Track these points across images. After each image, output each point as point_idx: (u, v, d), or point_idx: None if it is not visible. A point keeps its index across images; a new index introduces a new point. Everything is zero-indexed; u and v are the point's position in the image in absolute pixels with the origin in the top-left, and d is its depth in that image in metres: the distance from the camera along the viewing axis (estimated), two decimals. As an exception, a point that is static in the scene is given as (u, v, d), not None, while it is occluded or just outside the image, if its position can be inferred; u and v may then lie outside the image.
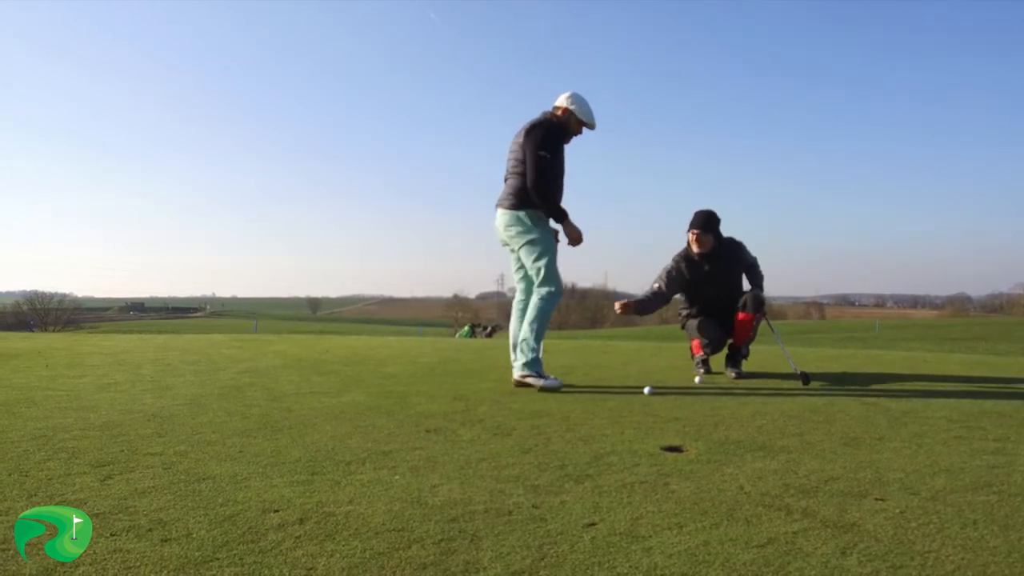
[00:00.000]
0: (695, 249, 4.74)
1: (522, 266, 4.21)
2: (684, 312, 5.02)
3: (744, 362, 4.85)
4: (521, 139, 4.06)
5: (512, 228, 4.07)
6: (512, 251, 4.20)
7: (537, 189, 3.98)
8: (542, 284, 4.06)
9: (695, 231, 4.72)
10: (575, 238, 4.08)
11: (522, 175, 4.03)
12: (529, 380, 3.95)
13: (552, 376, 4.03)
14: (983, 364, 5.92)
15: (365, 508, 1.81)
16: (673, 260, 4.85)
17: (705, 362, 4.87)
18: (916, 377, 4.83)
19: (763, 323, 4.87)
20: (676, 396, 3.76)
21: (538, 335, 4.03)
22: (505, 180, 4.18)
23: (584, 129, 4.21)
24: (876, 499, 1.93)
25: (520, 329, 4.15)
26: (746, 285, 4.93)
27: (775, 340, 5.20)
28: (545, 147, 3.98)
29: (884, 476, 2.17)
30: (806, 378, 4.23)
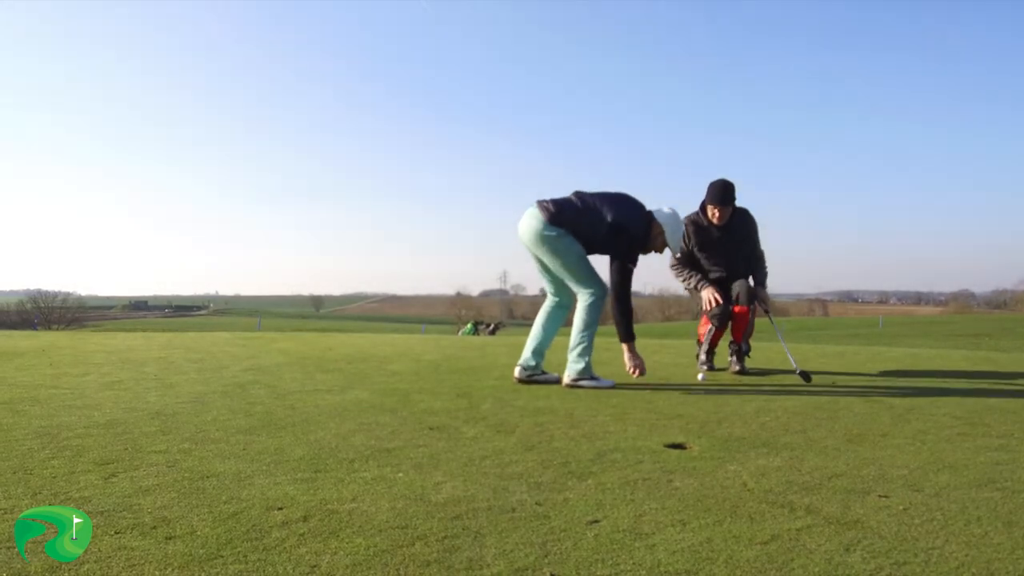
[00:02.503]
0: (716, 223, 4.69)
1: (547, 268, 4.16)
2: (691, 281, 4.85)
3: (747, 358, 4.85)
4: (608, 212, 3.93)
5: (544, 233, 3.96)
6: (538, 260, 4.16)
7: (622, 304, 3.98)
8: (583, 288, 4.04)
9: (716, 208, 4.63)
10: (638, 370, 3.98)
11: (591, 220, 3.94)
12: (582, 383, 3.96)
13: (604, 378, 4.07)
14: (987, 360, 5.91)
15: (368, 505, 1.81)
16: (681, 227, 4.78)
17: (709, 356, 4.87)
18: (920, 374, 4.82)
19: (766, 320, 4.86)
20: (679, 393, 3.76)
21: (589, 343, 4.03)
22: (574, 199, 4.04)
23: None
24: (880, 496, 1.93)
25: (545, 331, 4.20)
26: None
27: (777, 338, 5.20)
28: (634, 259, 3.99)
29: (888, 473, 2.17)
30: (807, 376, 4.24)
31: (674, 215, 4.09)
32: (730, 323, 4.82)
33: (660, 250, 4.14)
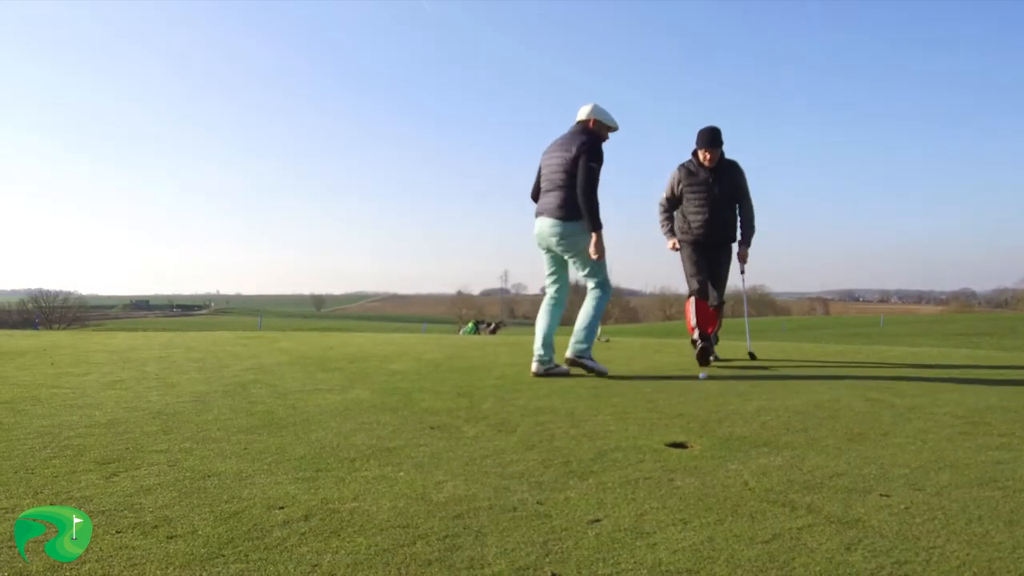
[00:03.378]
0: (706, 164, 5.02)
1: (555, 271, 4.62)
2: (664, 227, 5.26)
3: (748, 355, 5.17)
4: (566, 152, 4.38)
5: (566, 239, 4.42)
6: (550, 255, 4.58)
7: (587, 198, 4.31)
8: (597, 287, 4.51)
9: (706, 150, 4.97)
10: (599, 251, 4.35)
11: (571, 187, 4.34)
12: (583, 362, 4.42)
13: (599, 363, 4.52)
14: (988, 359, 5.90)
15: (370, 505, 1.82)
16: (675, 170, 5.16)
17: (704, 346, 5.00)
18: (921, 373, 4.81)
19: (759, 319, 5.23)
20: (680, 392, 3.76)
21: (593, 330, 4.50)
22: (544, 190, 4.52)
23: (609, 134, 4.58)
24: (881, 495, 1.93)
25: (548, 323, 4.59)
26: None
27: (765, 324, 5.27)
28: (595, 160, 4.34)
29: (889, 472, 2.17)
30: (753, 355, 5.07)
31: (594, 105, 4.52)
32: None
33: (606, 136, 4.54)
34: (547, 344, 4.48)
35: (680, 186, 5.10)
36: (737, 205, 5.16)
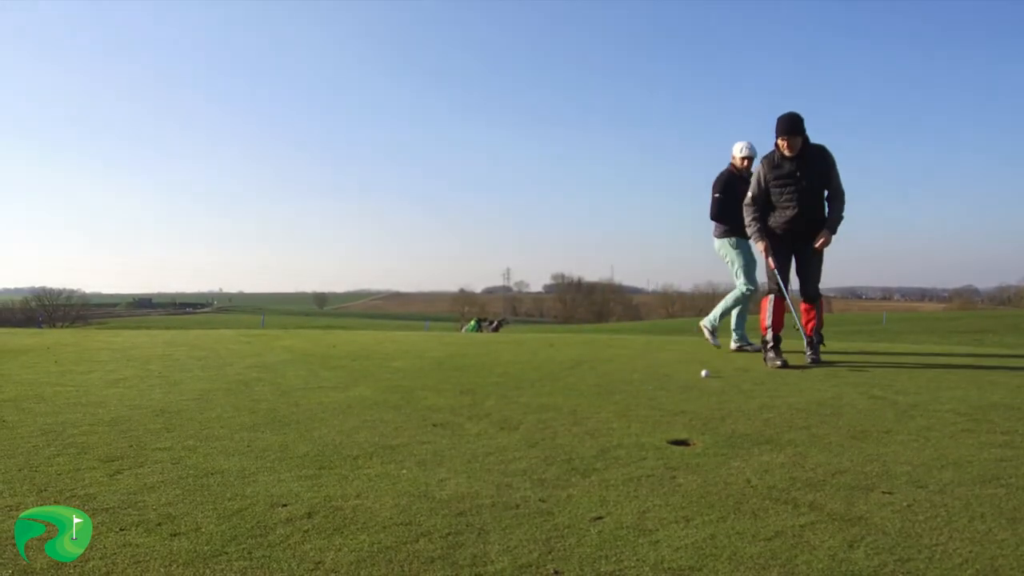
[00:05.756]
0: (787, 153, 4.74)
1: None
2: (752, 227, 4.94)
3: (823, 346, 5.01)
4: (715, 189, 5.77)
5: (718, 250, 5.80)
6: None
7: (717, 218, 5.73)
8: (737, 281, 5.72)
9: (784, 138, 4.71)
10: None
11: (717, 215, 5.69)
12: (745, 349, 5.66)
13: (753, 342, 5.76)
14: (991, 357, 5.89)
15: (373, 502, 1.82)
16: (759, 163, 4.92)
17: (777, 346, 4.81)
18: (923, 370, 4.80)
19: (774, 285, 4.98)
20: (682, 390, 3.75)
21: (727, 312, 5.77)
22: (717, 204, 5.78)
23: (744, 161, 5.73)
24: (883, 492, 1.93)
25: (725, 310, 5.82)
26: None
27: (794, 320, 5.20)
28: (719, 191, 5.66)
29: (891, 469, 2.17)
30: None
31: (737, 145, 5.77)
32: (800, 316, 4.93)
33: (741, 163, 5.67)
34: (736, 327, 5.80)
35: (766, 180, 4.82)
36: (826, 193, 4.87)
